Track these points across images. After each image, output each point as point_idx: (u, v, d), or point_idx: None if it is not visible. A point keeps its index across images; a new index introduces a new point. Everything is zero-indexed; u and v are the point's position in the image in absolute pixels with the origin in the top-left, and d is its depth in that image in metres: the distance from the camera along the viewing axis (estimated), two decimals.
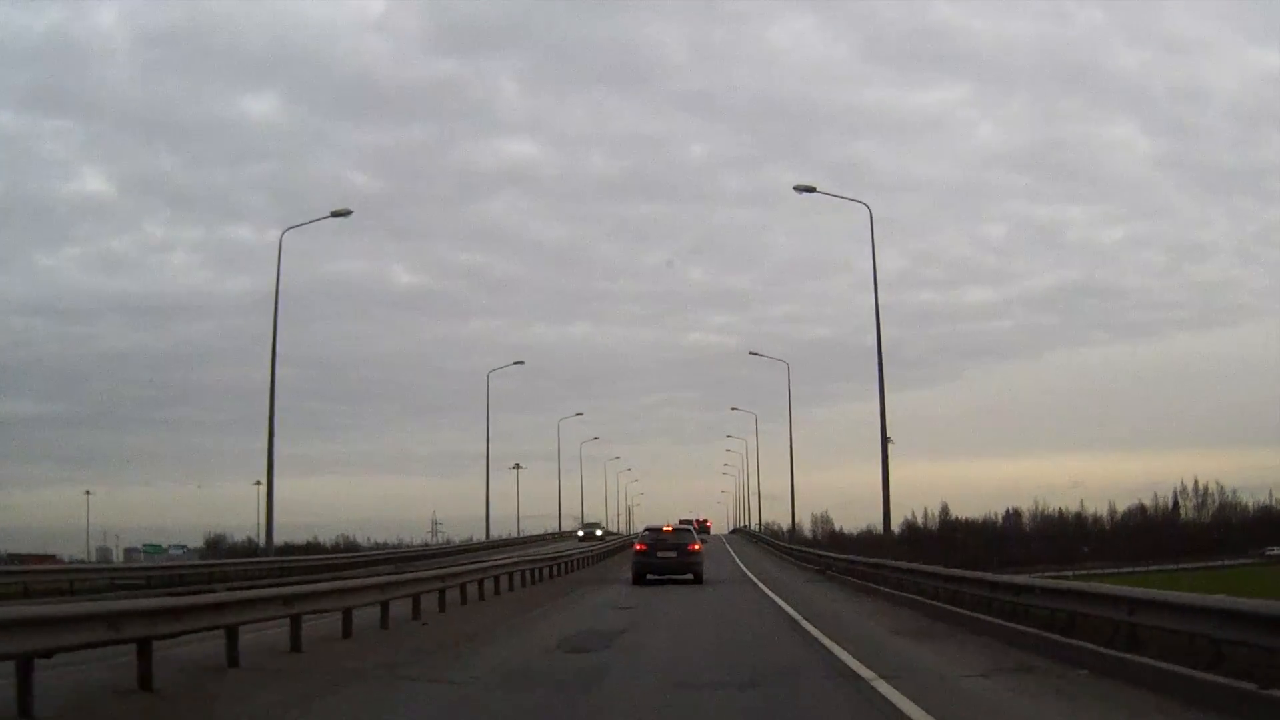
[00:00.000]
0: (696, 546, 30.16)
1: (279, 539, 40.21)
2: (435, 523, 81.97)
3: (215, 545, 78.09)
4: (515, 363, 62.29)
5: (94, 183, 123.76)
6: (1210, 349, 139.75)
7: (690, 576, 29.15)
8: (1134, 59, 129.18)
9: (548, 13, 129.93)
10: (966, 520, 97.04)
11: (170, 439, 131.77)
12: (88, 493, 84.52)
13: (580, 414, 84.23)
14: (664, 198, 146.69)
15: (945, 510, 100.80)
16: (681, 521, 43.57)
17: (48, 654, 8.39)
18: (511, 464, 79.27)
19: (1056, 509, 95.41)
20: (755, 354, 61.47)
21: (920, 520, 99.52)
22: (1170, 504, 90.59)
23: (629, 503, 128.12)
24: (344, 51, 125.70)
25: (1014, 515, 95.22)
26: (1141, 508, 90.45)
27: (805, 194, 34.20)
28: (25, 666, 8.16)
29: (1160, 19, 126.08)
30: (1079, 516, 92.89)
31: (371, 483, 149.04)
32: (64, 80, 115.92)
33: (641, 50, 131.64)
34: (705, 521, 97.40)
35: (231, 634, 11.19)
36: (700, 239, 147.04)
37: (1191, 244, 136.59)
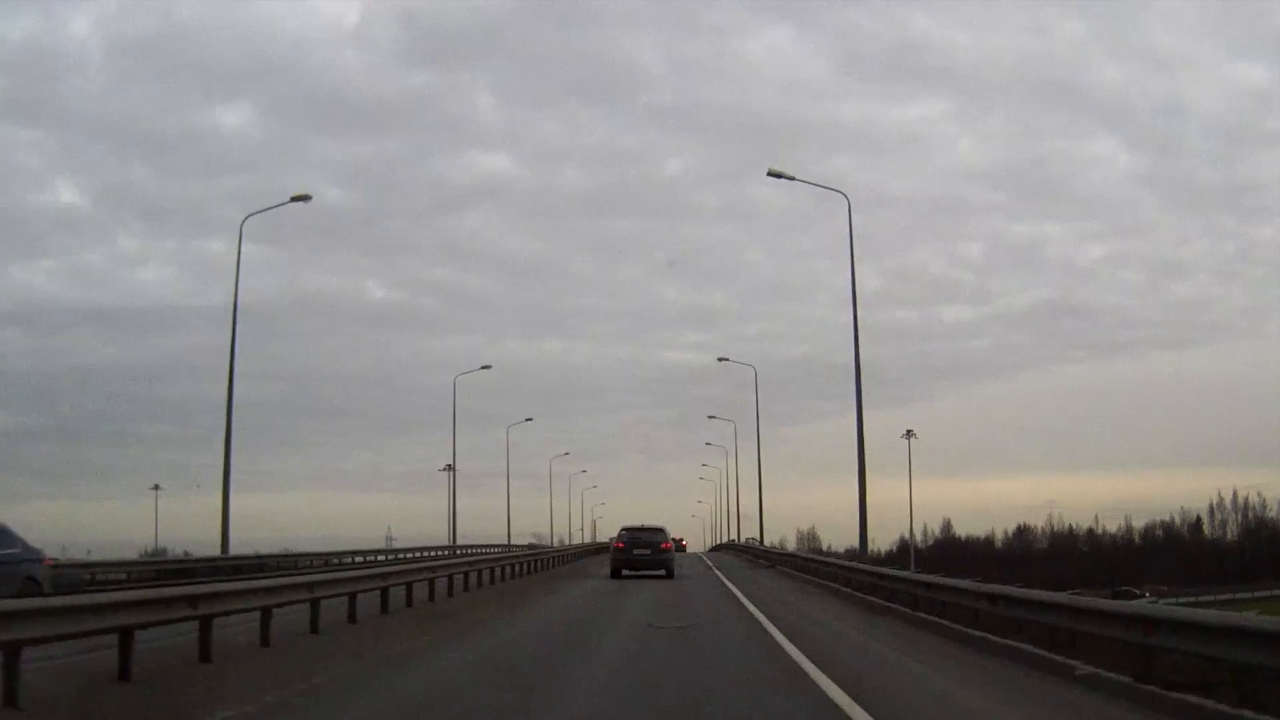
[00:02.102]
0: (668, 545, 32.96)
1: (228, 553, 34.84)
2: (390, 539, 76.02)
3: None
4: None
5: (67, 194, 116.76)
6: (1189, 368, 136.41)
7: (663, 572, 31.73)
8: (1115, 74, 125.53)
9: (523, 26, 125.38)
10: (968, 538, 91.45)
11: (139, 453, 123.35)
12: None
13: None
14: (639, 213, 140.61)
15: (948, 527, 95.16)
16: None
17: None
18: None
19: (1068, 526, 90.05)
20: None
21: (920, 539, 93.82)
22: (1194, 521, 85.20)
23: (594, 516, 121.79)
24: (319, 63, 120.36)
25: (1024, 531, 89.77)
26: (1167, 525, 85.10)
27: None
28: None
29: (1142, 34, 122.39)
30: (1091, 533, 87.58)
31: (341, 499, 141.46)
32: (37, 90, 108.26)
33: (618, 64, 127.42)
34: (680, 540, 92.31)
35: None
36: (676, 255, 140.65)
37: (1171, 262, 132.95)
